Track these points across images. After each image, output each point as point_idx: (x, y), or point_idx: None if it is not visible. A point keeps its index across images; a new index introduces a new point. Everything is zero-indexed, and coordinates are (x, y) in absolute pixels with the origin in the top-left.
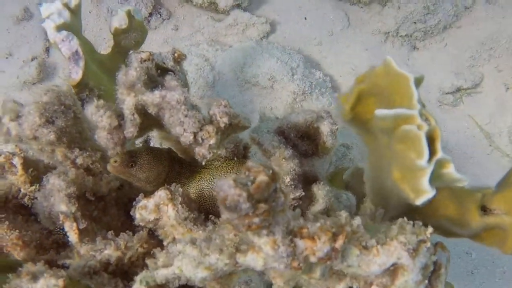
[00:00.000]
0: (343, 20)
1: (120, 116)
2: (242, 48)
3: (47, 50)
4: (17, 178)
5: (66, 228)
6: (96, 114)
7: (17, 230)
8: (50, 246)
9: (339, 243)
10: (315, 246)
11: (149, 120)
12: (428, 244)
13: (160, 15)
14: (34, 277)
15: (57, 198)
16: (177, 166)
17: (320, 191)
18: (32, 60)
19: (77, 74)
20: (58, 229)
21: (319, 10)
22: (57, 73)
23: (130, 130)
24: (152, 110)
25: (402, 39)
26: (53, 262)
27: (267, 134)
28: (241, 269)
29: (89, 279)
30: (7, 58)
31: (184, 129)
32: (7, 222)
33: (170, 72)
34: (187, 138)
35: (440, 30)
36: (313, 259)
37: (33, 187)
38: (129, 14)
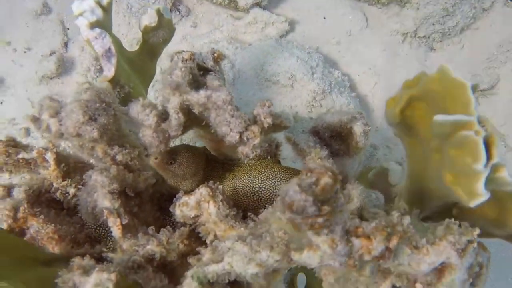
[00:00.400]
0: (361, 20)
1: (163, 115)
2: (262, 47)
3: (65, 45)
4: (49, 173)
5: (110, 224)
6: (142, 113)
7: (52, 224)
8: (84, 240)
9: (393, 243)
10: (371, 245)
11: (191, 120)
12: (475, 245)
13: (179, 11)
14: (86, 271)
15: (100, 194)
16: (211, 164)
17: (355, 191)
18: (50, 54)
19: (109, 71)
20: (91, 224)
21: (338, 10)
22: (75, 68)
23: (174, 128)
24: (196, 110)
25: (420, 40)
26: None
27: (302, 134)
28: (294, 266)
29: (134, 273)
30: (25, 52)
31: (231, 129)
32: (42, 216)
33: (210, 72)
34: (233, 137)
35: (458, 31)
36: (367, 257)
37: (65, 182)
38: (159, 12)
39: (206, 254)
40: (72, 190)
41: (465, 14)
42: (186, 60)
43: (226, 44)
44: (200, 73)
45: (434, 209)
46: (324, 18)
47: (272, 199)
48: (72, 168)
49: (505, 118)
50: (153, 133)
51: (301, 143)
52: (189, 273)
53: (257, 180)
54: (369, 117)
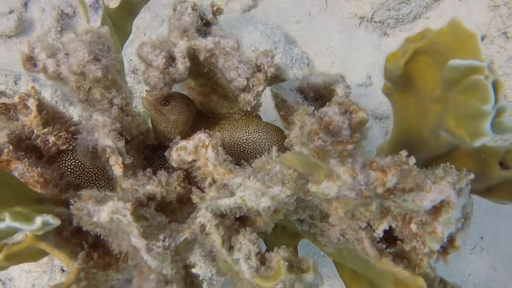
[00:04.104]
0: (321, 2)
1: (170, 58)
2: (228, 19)
3: (25, 4)
4: (31, 120)
5: (111, 162)
6: (152, 53)
7: (38, 168)
8: (65, 188)
9: (404, 178)
10: (385, 178)
11: (193, 66)
12: (469, 187)
13: None
14: (98, 201)
15: (101, 134)
16: (197, 117)
17: None
18: (9, 13)
19: (95, 23)
20: (70, 171)
21: None
22: (34, 29)
23: (180, 72)
24: (203, 55)
25: (375, 25)
26: None
27: (290, 92)
28: (309, 198)
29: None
30: None
31: (239, 74)
32: (26, 160)
33: (213, 24)
34: (240, 82)
35: (411, 19)
36: (380, 190)
37: (46, 129)
38: None
39: (210, 192)
40: (52, 138)
41: (419, 3)
42: (190, 8)
43: None
44: (202, 22)
45: (419, 162)
46: None
47: (257, 152)
48: (50, 117)
49: None
50: (160, 74)
51: (289, 99)
52: (203, 204)
53: (244, 133)
54: None
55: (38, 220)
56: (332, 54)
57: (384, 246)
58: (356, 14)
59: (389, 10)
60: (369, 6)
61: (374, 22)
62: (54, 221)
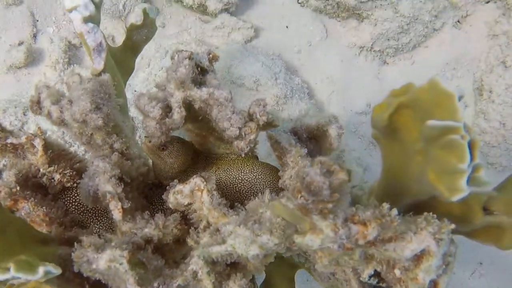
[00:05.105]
0: (321, 32)
1: (166, 108)
2: (229, 50)
3: (34, 36)
4: (37, 159)
5: (111, 207)
6: (149, 105)
7: (43, 207)
8: (69, 224)
9: (385, 230)
10: (366, 231)
11: (189, 114)
12: (450, 236)
13: None
14: (97, 248)
15: (102, 179)
16: (195, 157)
17: None
18: (19, 44)
19: (99, 65)
20: (74, 208)
21: (300, 21)
22: (43, 60)
23: (176, 122)
24: (197, 105)
25: (375, 54)
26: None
27: (284, 133)
28: (295, 248)
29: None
30: None
31: (231, 124)
32: (32, 199)
33: (206, 72)
34: (233, 132)
35: (410, 48)
36: (361, 242)
37: (52, 167)
38: (145, 12)
39: (204, 237)
40: (57, 176)
41: (418, 32)
42: (185, 58)
43: (194, 46)
44: (198, 71)
45: (404, 207)
46: (287, 27)
47: (251, 192)
48: (56, 155)
49: None
50: (156, 124)
51: (283, 141)
52: (195, 252)
53: (240, 173)
54: None
55: (41, 270)
56: (333, 83)
57: (376, 280)
58: (356, 44)
59: (388, 40)
60: (369, 36)
61: (374, 51)
62: (56, 271)
